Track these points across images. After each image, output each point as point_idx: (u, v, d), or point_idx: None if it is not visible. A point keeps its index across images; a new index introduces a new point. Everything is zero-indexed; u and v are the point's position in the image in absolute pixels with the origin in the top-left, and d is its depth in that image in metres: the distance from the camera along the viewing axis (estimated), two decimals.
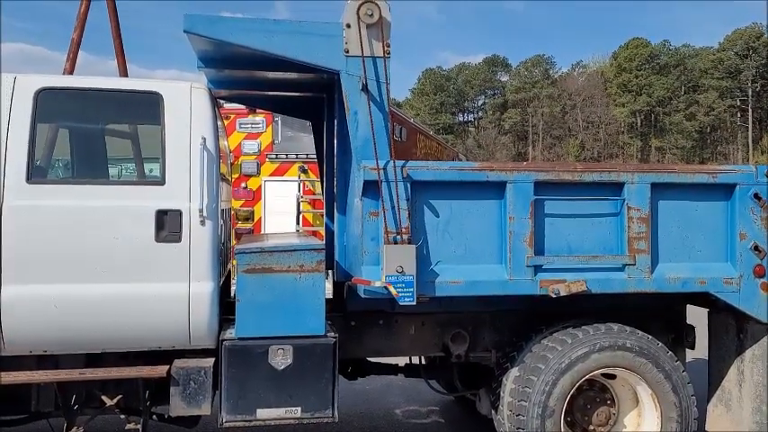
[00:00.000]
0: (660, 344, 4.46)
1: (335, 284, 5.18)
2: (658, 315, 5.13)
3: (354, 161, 4.14)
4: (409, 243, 4.00)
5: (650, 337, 4.48)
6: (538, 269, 4.20)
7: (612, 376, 4.48)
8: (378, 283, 3.93)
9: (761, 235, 4.41)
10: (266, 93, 5.47)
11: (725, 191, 4.45)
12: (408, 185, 4.05)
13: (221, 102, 6.25)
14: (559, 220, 4.28)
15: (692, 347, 5.11)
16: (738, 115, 75.42)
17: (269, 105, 6.32)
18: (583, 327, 4.40)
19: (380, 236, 3.99)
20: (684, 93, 76.73)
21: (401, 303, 3.95)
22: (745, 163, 59.13)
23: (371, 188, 4.02)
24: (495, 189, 4.18)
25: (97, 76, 4.14)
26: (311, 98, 5.52)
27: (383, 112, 4.13)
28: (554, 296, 4.15)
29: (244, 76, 5.03)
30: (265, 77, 5.00)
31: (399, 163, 4.04)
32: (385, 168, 4.00)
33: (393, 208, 3.97)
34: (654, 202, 4.34)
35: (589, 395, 4.49)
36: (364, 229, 4.03)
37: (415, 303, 3.96)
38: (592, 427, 4.49)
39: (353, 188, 4.28)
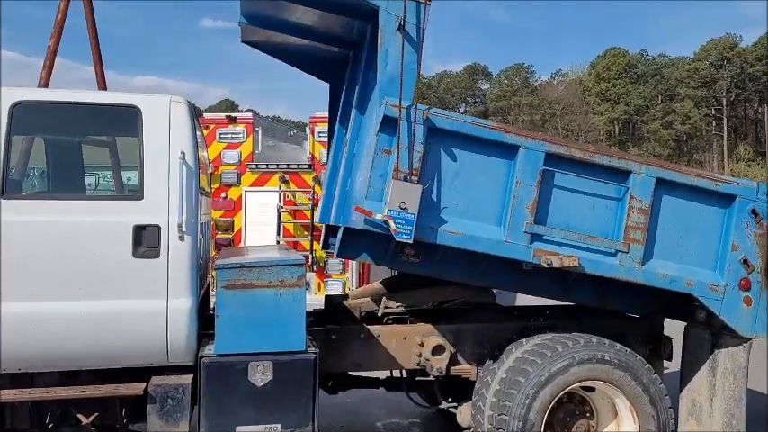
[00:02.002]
0: (638, 356, 4.51)
1: (329, 228, 5.18)
2: (637, 327, 5.20)
3: (377, 96, 4.10)
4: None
5: (629, 350, 4.52)
6: (535, 237, 4.21)
7: (592, 389, 4.51)
8: (379, 216, 3.90)
9: (752, 250, 4.47)
10: (297, 39, 5.34)
11: (724, 200, 4.51)
12: (426, 130, 4.04)
13: (200, 110, 6.19)
14: (563, 194, 4.31)
15: (670, 359, 5.18)
16: (714, 124, 76.73)
17: (294, 59, 6.05)
18: (562, 340, 4.43)
19: (389, 173, 3.97)
20: (661, 102, 77.93)
21: (397, 239, 3.92)
22: (720, 170, 60.13)
23: (389, 125, 3.99)
24: (508, 152, 4.20)
25: (74, 82, 4.13)
26: (336, 56, 5.47)
27: (415, 55, 4.09)
28: (546, 266, 4.17)
29: (277, 15, 4.96)
30: (297, 22, 4.96)
31: (422, 106, 4.03)
32: (407, 108, 3.98)
33: (408, 148, 3.96)
34: (656, 197, 4.38)
35: (569, 408, 4.52)
36: (374, 164, 4.00)
37: (411, 242, 3.94)
38: None
39: (370, 126, 4.25)
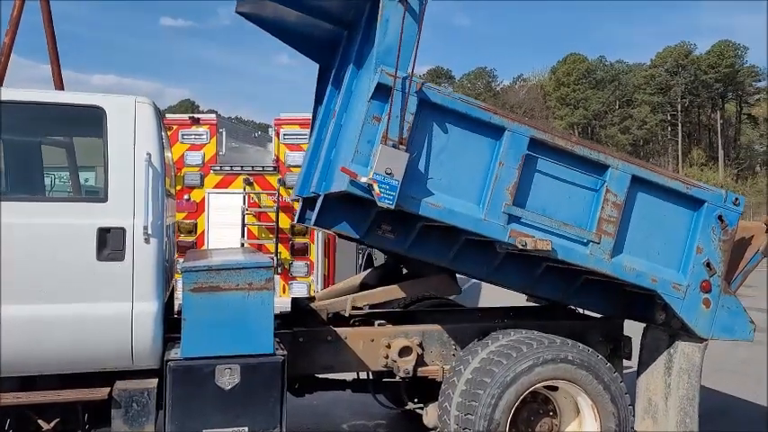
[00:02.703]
0: (600, 356, 4.62)
1: (306, 202, 5.19)
2: (597, 327, 5.34)
3: (373, 64, 4.08)
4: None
5: (590, 349, 4.63)
6: (512, 218, 4.26)
7: (555, 388, 4.60)
8: (364, 179, 3.88)
9: (715, 254, 4.61)
10: (291, 12, 5.27)
11: (693, 204, 4.63)
12: (418, 101, 4.05)
13: (163, 112, 6.11)
14: (543, 180, 4.38)
15: (629, 358, 5.32)
16: (669, 129, 78.89)
17: (287, 35, 5.95)
18: (526, 340, 4.51)
19: (377, 140, 3.95)
20: (619, 107, 79.76)
21: (379, 204, 3.90)
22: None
23: (382, 93, 3.99)
24: (495, 133, 4.25)
25: (29, 81, 4.03)
26: (329, 35, 5.46)
27: (415, 26, 4.08)
28: (521, 247, 4.23)
29: None
30: None
31: (417, 79, 4.05)
32: (402, 78, 3.98)
33: (398, 117, 3.96)
34: (630, 193, 4.49)
35: (533, 407, 4.60)
36: (363, 130, 4.00)
37: (393, 208, 3.93)
38: None
39: (362, 95, 4.25)
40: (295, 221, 6.01)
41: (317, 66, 6.08)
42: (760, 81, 76.67)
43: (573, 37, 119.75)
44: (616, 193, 4.44)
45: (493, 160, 4.26)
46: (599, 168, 4.46)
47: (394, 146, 3.94)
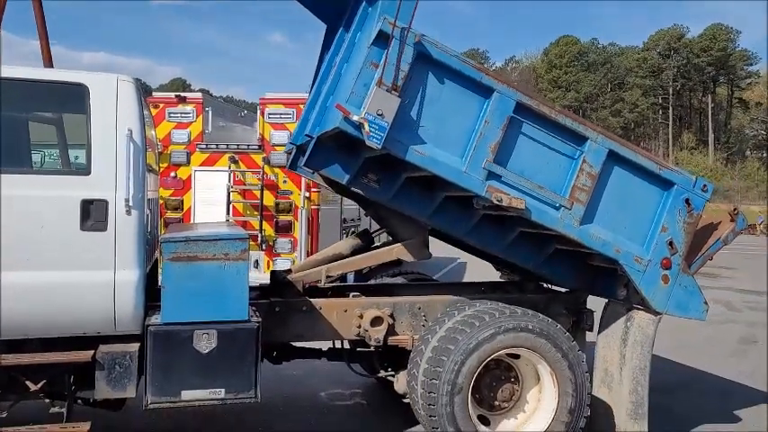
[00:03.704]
0: (558, 326, 4.87)
1: (299, 150, 5.40)
2: (562, 301, 5.61)
3: (377, 13, 4.26)
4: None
5: (550, 319, 4.88)
6: (491, 175, 4.45)
7: (517, 356, 4.87)
8: (356, 117, 4.04)
9: (679, 235, 4.85)
10: None
11: (664, 185, 4.85)
12: (415, 53, 4.21)
13: (150, 88, 6.25)
14: (524, 143, 4.56)
15: (591, 330, 5.60)
16: (660, 113, 79.17)
17: None
18: (490, 310, 4.77)
19: (372, 84, 4.11)
20: (611, 90, 79.90)
21: (368, 143, 4.07)
22: (665, 158, 62.17)
23: (382, 40, 4.14)
24: (484, 92, 4.43)
25: (19, 57, 4.18)
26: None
27: None
28: (496, 202, 4.42)
29: None
30: None
31: (417, 31, 4.21)
32: (402, 29, 4.13)
33: (394, 65, 4.12)
34: (606, 167, 4.69)
35: (495, 373, 4.86)
36: (360, 74, 4.16)
37: (380, 147, 4.10)
38: (497, 403, 4.88)
39: (363, 44, 4.41)
40: (287, 167, 6.20)
41: (325, 27, 6.12)
42: (752, 65, 77.03)
43: (566, 18, 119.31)
44: (592, 164, 4.64)
45: (480, 118, 4.44)
46: (579, 139, 4.65)
47: (388, 90, 4.10)
